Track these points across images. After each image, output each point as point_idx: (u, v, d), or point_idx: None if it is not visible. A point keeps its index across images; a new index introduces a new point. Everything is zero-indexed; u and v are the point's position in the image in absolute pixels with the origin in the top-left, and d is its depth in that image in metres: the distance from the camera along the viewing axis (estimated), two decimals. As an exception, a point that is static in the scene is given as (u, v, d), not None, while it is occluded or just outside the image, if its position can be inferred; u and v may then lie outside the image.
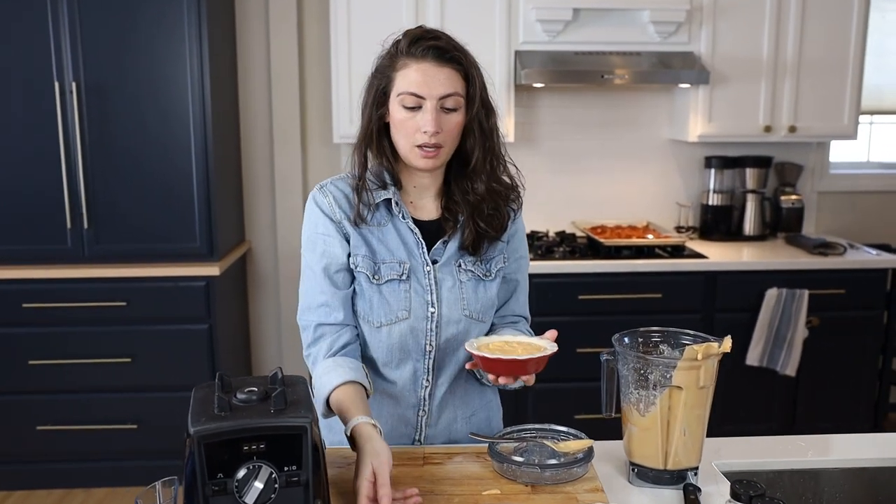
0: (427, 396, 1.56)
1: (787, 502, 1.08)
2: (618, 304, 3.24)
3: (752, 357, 3.28)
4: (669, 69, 3.37)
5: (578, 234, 3.62)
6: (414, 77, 1.43)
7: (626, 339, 1.37)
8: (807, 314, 3.25)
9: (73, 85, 3.02)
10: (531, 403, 3.29)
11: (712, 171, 3.72)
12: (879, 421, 3.57)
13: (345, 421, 1.36)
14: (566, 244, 3.43)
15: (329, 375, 1.44)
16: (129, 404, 3.22)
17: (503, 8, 3.34)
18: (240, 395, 1.14)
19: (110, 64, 3.04)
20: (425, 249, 1.53)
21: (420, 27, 1.50)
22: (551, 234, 3.61)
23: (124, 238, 3.16)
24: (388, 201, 1.53)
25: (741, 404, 3.38)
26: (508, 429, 1.47)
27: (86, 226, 3.12)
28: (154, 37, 3.04)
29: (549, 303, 3.20)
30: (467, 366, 1.41)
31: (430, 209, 1.58)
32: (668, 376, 1.28)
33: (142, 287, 3.15)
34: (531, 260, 3.25)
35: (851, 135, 3.56)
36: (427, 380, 1.55)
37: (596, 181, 3.81)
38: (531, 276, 3.24)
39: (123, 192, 3.13)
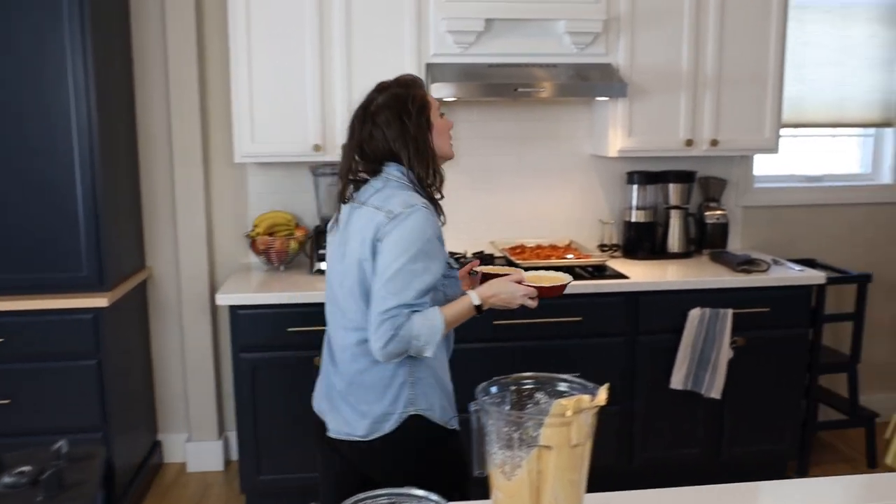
0: None
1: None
2: (535, 329, 3.07)
3: (676, 381, 3.15)
4: (587, 81, 3.24)
5: (497, 254, 3.45)
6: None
7: (494, 389, 1.20)
8: (731, 334, 3.13)
9: (-62, 101, 2.76)
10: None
11: (635, 186, 3.59)
12: (807, 440, 3.47)
13: (465, 306, 2.02)
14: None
15: (432, 311, 1.87)
16: (7, 450, 2.94)
17: (412, 19, 3.17)
18: (6, 479, 0.94)
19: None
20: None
21: None
22: (469, 254, 3.44)
23: (-1, 268, 2.90)
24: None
25: (665, 429, 3.24)
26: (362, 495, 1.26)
27: (-45, 255, 2.85)
28: (29, 42, 2.79)
29: (461, 328, 3.01)
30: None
31: None
32: (535, 435, 1.11)
33: (20, 321, 2.89)
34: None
35: (773, 148, 3.48)
36: None
37: (516, 198, 3.66)
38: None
39: (-2, 218, 2.87)
